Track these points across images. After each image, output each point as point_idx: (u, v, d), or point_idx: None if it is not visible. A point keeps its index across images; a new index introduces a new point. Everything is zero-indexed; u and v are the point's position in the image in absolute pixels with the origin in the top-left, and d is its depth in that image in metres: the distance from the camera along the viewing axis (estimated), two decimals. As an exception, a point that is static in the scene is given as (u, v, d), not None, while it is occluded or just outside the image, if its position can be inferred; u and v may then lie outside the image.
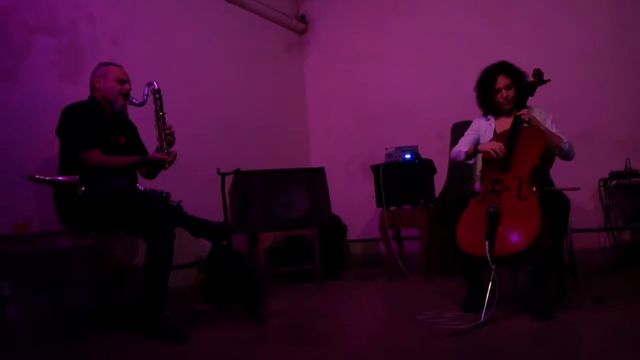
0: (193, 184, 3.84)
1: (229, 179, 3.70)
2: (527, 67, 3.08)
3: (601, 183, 4.10)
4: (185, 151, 3.19)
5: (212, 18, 4.78)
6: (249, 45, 5.17)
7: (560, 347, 2.24)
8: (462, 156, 3.11)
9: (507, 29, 4.77)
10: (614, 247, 4.15)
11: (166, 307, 2.69)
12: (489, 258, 2.51)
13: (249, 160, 4.21)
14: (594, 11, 4.47)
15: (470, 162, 3.21)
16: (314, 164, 5.49)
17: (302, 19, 5.99)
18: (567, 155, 2.97)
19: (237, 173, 3.72)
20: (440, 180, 4.43)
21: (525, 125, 2.88)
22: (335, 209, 4.66)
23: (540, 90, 3.06)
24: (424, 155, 4.24)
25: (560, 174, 3.20)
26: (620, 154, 4.06)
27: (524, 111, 2.89)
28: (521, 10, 4.78)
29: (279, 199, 4.07)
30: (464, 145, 3.14)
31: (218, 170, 3.51)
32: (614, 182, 4.11)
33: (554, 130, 2.97)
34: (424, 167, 4.19)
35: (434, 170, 4.28)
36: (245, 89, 5.03)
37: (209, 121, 4.49)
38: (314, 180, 4.22)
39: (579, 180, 4.09)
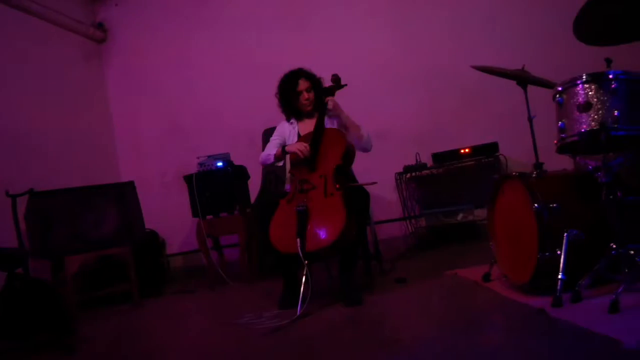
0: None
1: (22, 201, 3.33)
2: (328, 74, 3.32)
3: (397, 176, 4.54)
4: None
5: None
6: (40, 55, 4.73)
7: (369, 327, 2.44)
8: (272, 159, 3.24)
9: (309, 40, 5.04)
10: (413, 234, 4.61)
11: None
12: (300, 254, 2.62)
13: (47, 179, 3.86)
14: (384, 28, 4.95)
15: (279, 164, 3.33)
16: (124, 178, 5.21)
17: (100, 26, 5.65)
18: (366, 143, 3.23)
19: (32, 194, 3.37)
20: (255, 186, 4.51)
21: (328, 110, 3.14)
22: (151, 223, 4.48)
23: (341, 95, 3.31)
24: (236, 162, 4.28)
25: (363, 170, 3.50)
26: (411, 150, 4.53)
27: (329, 98, 3.15)
28: (321, 23, 5.09)
29: (86, 218, 3.78)
30: (271, 149, 3.28)
31: (7, 192, 3.14)
32: (408, 175, 4.58)
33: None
34: (237, 174, 4.22)
35: (247, 176, 4.34)
36: (38, 102, 4.57)
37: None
38: (123, 195, 4.00)
39: (379, 175, 4.48)
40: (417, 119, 4.78)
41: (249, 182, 4.40)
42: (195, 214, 4.18)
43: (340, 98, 3.32)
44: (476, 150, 4.32)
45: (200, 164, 4.22)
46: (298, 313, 2.57)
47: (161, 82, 5.47)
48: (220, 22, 5.34)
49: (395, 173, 4.53)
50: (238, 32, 5.27)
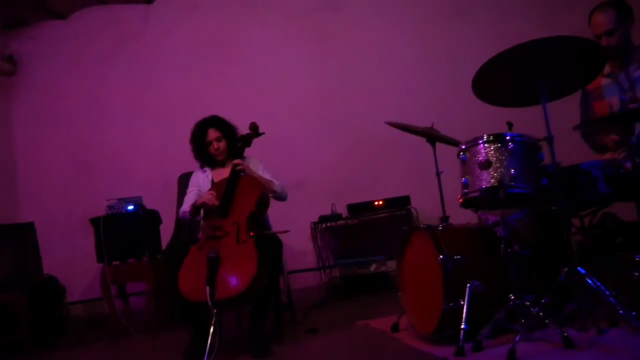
0: None
1: None
2: (247, 122, 3.34)
3: (313, 226, 4.57)
4: None
5: None
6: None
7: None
8: (188, 215, 3.22)
9: (227, 87, 5.08)
10: (327, 284, 4.62)
11: None
12: (209, 303, 2.54)
13: None
14: (304, 79, 5.09)
15: (198, 218, 3.26)
16: (25, 218, 4.86)
17: (10, 59, 5.40)
18: (281, 196, 3.30)
19: None
20: (168, 231, 4.36)
21: (242, 175, 3.10)
22: (51, 268, 4.21)
23: (260, 143, 3.33)
24: (149, 206, 4.14)
25: (279, 218, 3.50)
26: (327, 200, 4.61)
27: (238, 161, 3.11)
28: (241, 71, 5.15)
29: (-24, 261, 3.49)
30: (187, 205, 3.26)
31: None
32: (323, 224, 4.63)
33: (266, 175, 3.30)
34: (149, 218, 4.07)
35: (160, 221, 4.20)
36: None
37: None
38: (21, 237, 3.76)
39: (294, 224, 4.50)
40: (334, 170, 4.89)
41: (162, 227, 4.25)
42: (100, 259, 3.96)
43: (259, 146, 3.33)
44: (389, 202, 4.46)
45: (109, 207, 4.03)
46: (204, 364, 2.47)
47: (72, 120, 5.27)
48: (137, 65, 5.27)
49: (311, 222, 4.57)
50: (154, 75, 5.22)
